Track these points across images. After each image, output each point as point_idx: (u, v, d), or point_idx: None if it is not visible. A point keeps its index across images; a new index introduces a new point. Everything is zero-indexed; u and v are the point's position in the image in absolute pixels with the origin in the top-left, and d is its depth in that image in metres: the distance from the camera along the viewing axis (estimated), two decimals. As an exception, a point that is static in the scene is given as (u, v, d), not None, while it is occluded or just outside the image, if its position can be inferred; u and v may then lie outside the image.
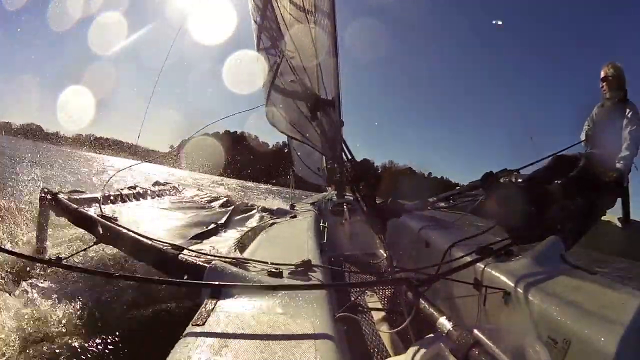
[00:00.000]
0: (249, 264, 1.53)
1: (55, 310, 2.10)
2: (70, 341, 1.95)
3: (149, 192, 4.32)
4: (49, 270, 2.59)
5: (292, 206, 4.06)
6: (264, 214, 4.05)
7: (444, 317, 1.04)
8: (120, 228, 2.20)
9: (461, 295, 1.86)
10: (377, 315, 2.13)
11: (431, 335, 1.05)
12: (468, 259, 1.78)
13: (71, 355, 1.86)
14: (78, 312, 2.14)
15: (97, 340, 1.99)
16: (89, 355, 1.89)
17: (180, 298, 2.47)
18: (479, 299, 1.77)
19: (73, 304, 2.17)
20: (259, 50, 2.79)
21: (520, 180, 2.66)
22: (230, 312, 1.03)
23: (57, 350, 1.87)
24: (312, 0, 3.30)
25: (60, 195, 2.85)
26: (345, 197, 3.97)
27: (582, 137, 2.94)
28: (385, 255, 2.35)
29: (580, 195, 2.40)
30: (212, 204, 4.38)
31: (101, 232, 2.26)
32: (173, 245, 1.86)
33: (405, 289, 1.28)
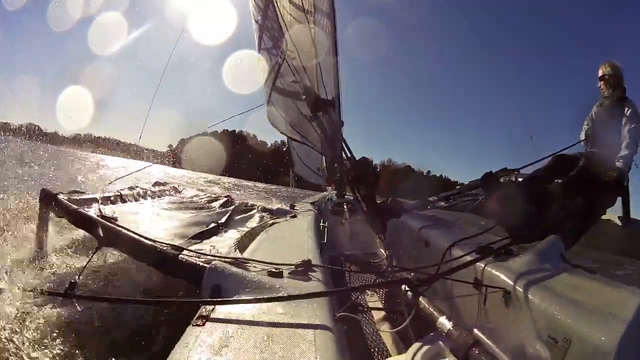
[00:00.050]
0: (249, 264, 1.53)
1: (54, 310, 2.09)
2: (70, 341, 1.95)
3: (148, 192, 4.32)
4: (48, 271, 2.60)
5: (292, 206, 4.07)
6: (264, 213, 4.05)
7: (444, 316, 1.04)
8: (120, 228, 2.20)
9: (461, 294, 1.86)
10: (377, 315, 2.13)
11: (431, 334, 1.05)
12: (468, 258, 1.78)
13: (71, 355, 1.86)
14: (78, 312, 2.13)
15: (97, 340, 1.99)
16: (88, 355, 1.89)
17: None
18: (479, 299, 1.77)
19: (73, 304, 2.16)
20: (261, 50, 2.79)
21: (520, 179, 2.67)
22: (230, 312, 1.03)
23: (57, 350, 1.87)
24: (311, 1, 3.30)
25: (60, 196, 2.85)
26: (345, 196, 3.97)
27: (582, 136, 2.94)
28: (385, 254, 2.35)
29: (581, 194, 2.40)
30: (212, 204, 4.38)
31: (101, 232, 2.26)
32: (173, 246, 1.86)
33: (405, 288, 1.28)
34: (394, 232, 2.56)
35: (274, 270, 1.41)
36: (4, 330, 1.91)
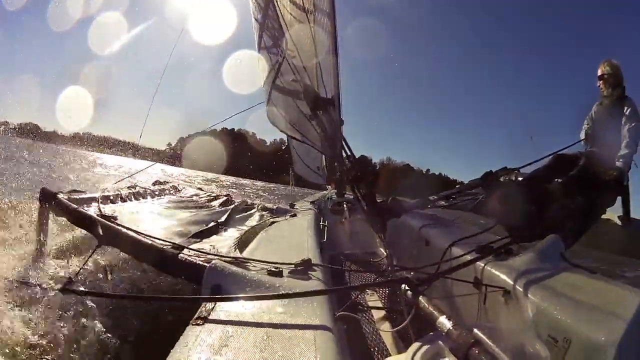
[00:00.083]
0: (248, 263, 1.53)
1: (52, 308, 2.09)
2: (69, 340, 1.95)
3: (148, 191, 4.31)
4: (48, 270, 2.59)
5: (292, 205, 4.07)
6: (264, 212, 4.04)
7: (444, 316, 1.04)
8: (120, 228, 2.20)
9: (461, 294, 1.86)
10: (377, 314, 2.13)
11: (431, 334, 1.06)
12: (468, 257, 1.78)
13: (69, 354, 1.86)
14: (77, 311, 2.13)
15: (97, 340, 1.99)
16: (88, 355, 1.89)
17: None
18: (478, 298, 1.77)
19: (72, 302, 2.16)
20: (261, 49, 2.78)
21: (520, 179, 2.66)
22: (230, 311, 1.03)
23: (55, 349, 1.87)
24: (311, 0, 3.30)
25: (60, 195, 2.84)
26: (345, 195, 3.97)
27: (582, 136, 2.94)
28: (385, 254, 2.35)
29: (581, 194, 2.40)
30: (212, 203, 4.37)
31: (101, 231, 2.26)
32: (173, 245, 1.86)
33: (405, 287, 1.28)
34: (394, 231, 2.56)
35: (273, 269, 1.41)
36: (3, 328, 1.92)
